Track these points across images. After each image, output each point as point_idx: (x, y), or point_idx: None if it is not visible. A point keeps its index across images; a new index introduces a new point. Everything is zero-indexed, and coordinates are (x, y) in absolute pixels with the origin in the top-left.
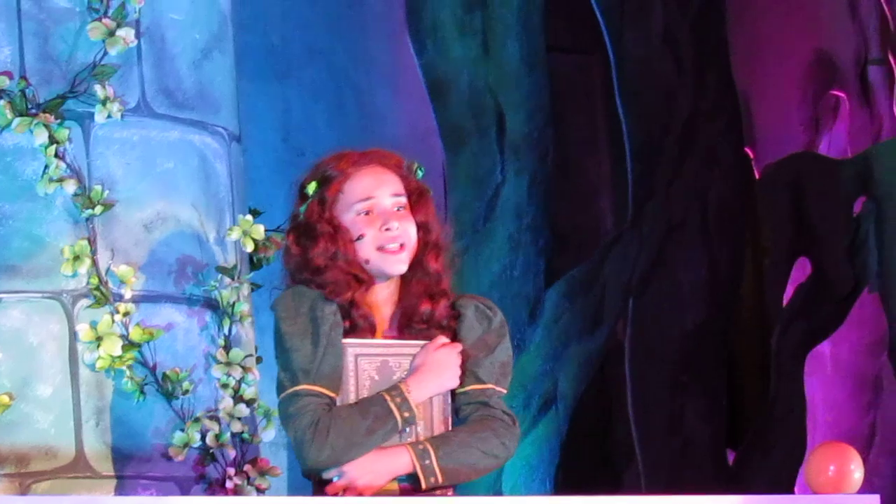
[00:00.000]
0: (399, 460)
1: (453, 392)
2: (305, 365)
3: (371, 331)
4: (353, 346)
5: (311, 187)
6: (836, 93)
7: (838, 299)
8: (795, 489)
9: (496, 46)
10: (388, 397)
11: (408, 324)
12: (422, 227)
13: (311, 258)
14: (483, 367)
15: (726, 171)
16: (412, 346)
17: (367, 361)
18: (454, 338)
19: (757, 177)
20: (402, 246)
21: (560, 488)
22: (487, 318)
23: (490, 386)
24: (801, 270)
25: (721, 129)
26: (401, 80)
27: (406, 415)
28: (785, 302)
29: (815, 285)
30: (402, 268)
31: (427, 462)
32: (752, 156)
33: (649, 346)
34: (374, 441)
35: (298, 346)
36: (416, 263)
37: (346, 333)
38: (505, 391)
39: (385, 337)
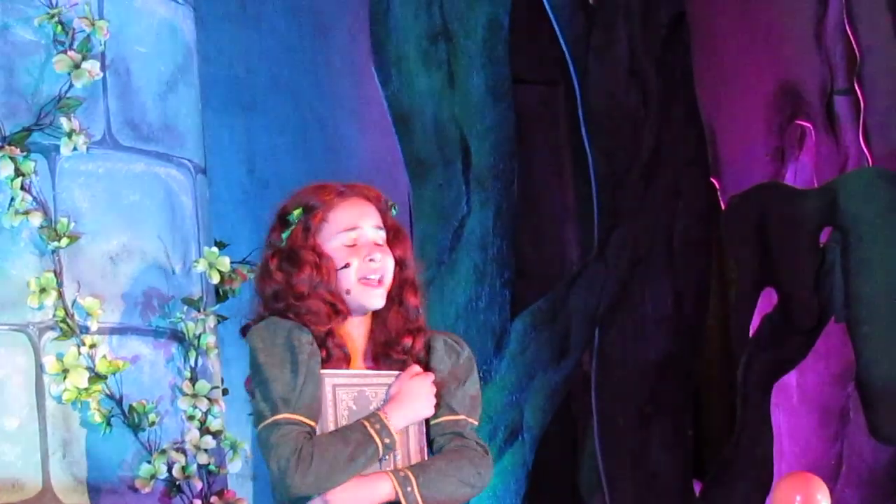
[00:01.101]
0: (380, 487)
1: (427, 422)
2: (285, 394)
3: (346, 361)
4: (331, 377)
5: (296, 213)
6: (801, 123)
7: (805, 330)
8: None
9: (461, 78)
10: (367, 424)
11: (386, 355)
12: (399, 263)
13: (294, 284)
14: (455, 399)
15: (691, 202)
16: (387, 376)
17: (344, 392)
18: (426, 369)
19: (723, 207)
20: (380, 280)
21: None
22: (456, 352)
23: (462, 417)
24: (767, 301)
25: (686, 160)
26: (366, 112)
27: (386, 441)
28: (751, 333)
29: (782, 316)
30: (380, 302)
31: (409, 489)
32: (717, 186)
33: (615, 377)
34: (355, 468)
35: (277, 375)
36: (394, 298)
37: (322, 363)
38: (476, 423)
39: (357, 365)
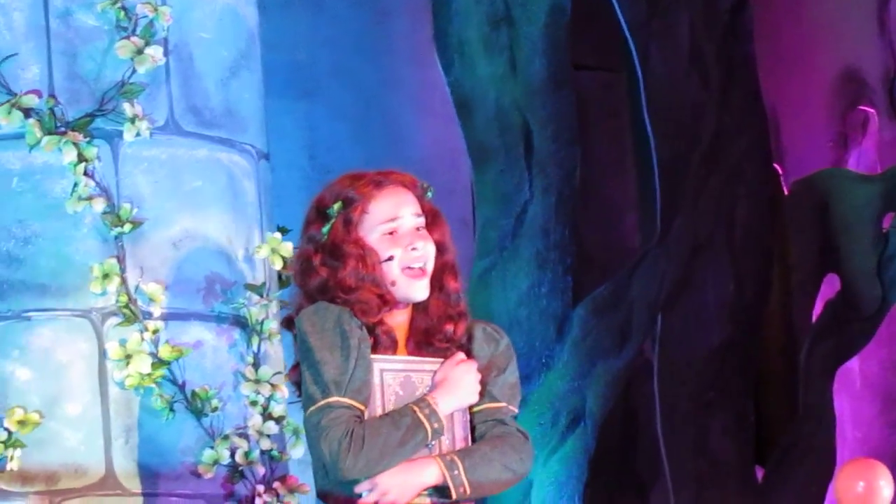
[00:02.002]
0: (428, 472)
1: (469, 409)
2: (337, 377)
3: (393, 348)
4: (379, 361)
5: (336, 207)
6: (864, 108)
7: (867, 316)
8: None
9: (523, 64)
10: (417, 409)
11: (428, 343)
12: (438, 247)
13: (340, 279)
14: (496, 387)
15: (753, 188)
16: (432, 362)
17: (391, 377)
18: (468, 356)
19: (785, 193)
20: (423, 270)
21: None
22: (495, 340)
23: (503, 405)
24: (829, 287)
25: (748, 146)
26: (427, 99)
27: (435, 426)
28: (813, 319)
29: (844, 302)
30: (425, 294)
31: (455, 472)
32: (780, 172)
33: (677, 363)
34: (405, 452)
35: (328, 358)
36: (435, 284)
37: (371, 350)
38: (516, 410)
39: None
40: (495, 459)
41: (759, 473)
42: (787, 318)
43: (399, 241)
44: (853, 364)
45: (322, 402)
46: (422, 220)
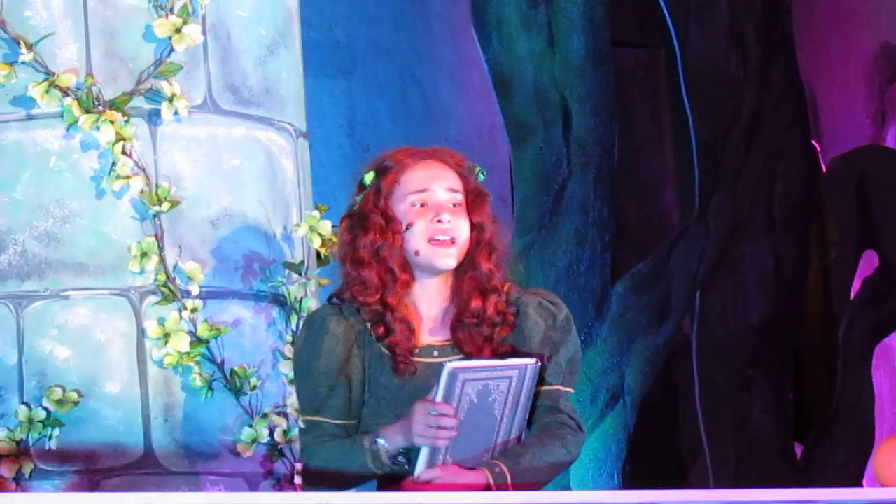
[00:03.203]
0: (476, 480)
1: (536, 395)
2: (314, 400)
3: (409, 334)
4: (462, 371)
5: (369, 177)
6: None
7: None
8: (863, 482)
9: (561, 41)
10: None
11: (459, 320)
12: (476, 227)
13: (357, 248)
14: (550, 367)
15: (792, 165)
16: (509, 367)
17: (471, 386)
18: (516, 336)
19: (823, 170)
20: (452, 240)
21: (627, 483)
22: (551, 314)
23: (556, 387)
24: (867, 263)
25: (787, 123)
26: (465, 76)
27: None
28: (852, 295)
29: (883, 278)
30: (452, 262)
31: (502, 482)
32: (818, 149)
33: (716, 340)
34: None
35: (310, 377)
36: (468, 261)
37: (380, 338)
38: (571, 390)
39: (432, 335)
40: (543, 460)
41: (798, 450)
42: (826, 295)
43: (425, 212)
44: (892, 340)
45: (302, 417)
46: (457, 197)
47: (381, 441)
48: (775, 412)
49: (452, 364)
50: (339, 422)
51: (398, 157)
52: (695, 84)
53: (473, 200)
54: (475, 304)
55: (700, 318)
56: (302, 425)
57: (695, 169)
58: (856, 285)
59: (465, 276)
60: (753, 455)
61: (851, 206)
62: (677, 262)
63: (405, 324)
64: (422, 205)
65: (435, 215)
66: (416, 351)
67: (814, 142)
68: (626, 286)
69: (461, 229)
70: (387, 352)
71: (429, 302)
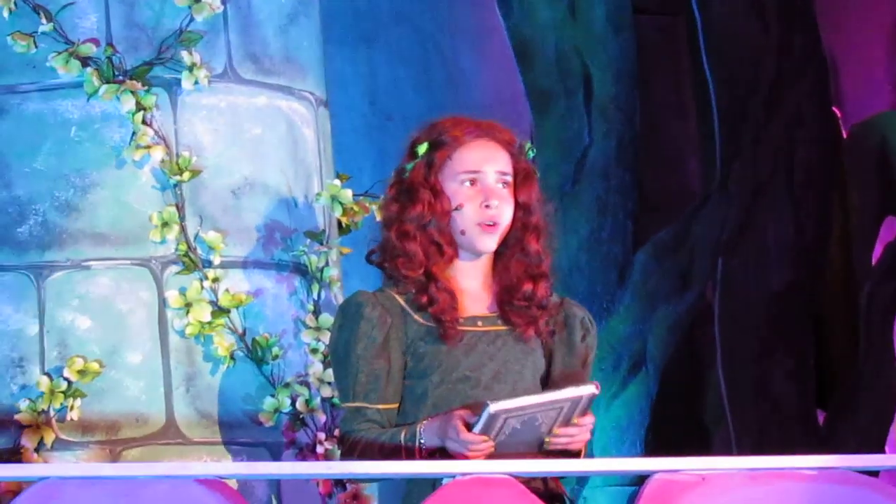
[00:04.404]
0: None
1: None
2: (353, 385)
3: (453, 303)
4: (505, 413)
5: (422, 148)
6: None
7: None
8: (886, 449)
9: (582, 9)
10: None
11: (509, 302)
12: (522, 208)
13: (403, 220)
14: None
15: (813, 132)
16: (556, 401)
17: (515, 420)
18: (555, 339)
19: (844, 136)
20: (495, 224)
21: (650, 450)
22: (587, 330)
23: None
24: (889, 229)
25: (807, 90)
26: (487, 44)
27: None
28: (873, 261)
29: None
30: (493, 246)
31: None
32: (839, 115)
33: (738, 307)
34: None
35: (349, 362)
36: (515, 243)
37: (423, 308)
38: None
39: (474, 307)
40: None
41: (821, 417)
42: (848, 261)
43: (476, 194)
44: None
45: (344, 405)
46: (507, 178)
47: (419, 438)
48: (797, 379)
49: (495, 406)
50: (379, 406)
51: (454, 133)
52: (716, 51)
53: (523, 180)
54: (527, 287)
55: (722, 286)
56: (343, 411)
57: (716, 136)
58: (877, 251)
59: (513, 257)
60: (776, 422)
61: (872, 173)
62: (699, 230)
63: (448, 293)
64: (471, 183)
65: (484, 200)
66: (461, 320)
67: (834, 108)
68: (648, 254)
69: (505, 213)
70: (429, 323)
71: (469, 277)
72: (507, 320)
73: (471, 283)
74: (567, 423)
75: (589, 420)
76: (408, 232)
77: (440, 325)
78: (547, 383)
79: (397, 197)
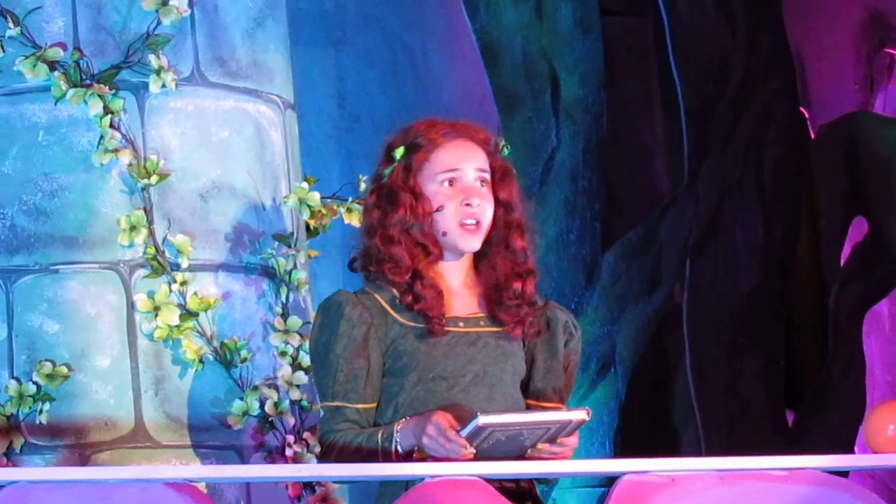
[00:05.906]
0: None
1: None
2: (333, 385)
3: (440, 298)
4: (491, 426)
5: (399, 152)
6: (890, 51)
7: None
8: (855, 449)
9: (549, 10)
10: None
11: (498, 301)
12: (504, 205)
13: (386, 225)
14: (551, 382)
15: (781, 132)
16: (543, 422)
17: (501, 433)
18: (540, 340)
19: (812, 136)
20: (478, 224)
21: (619, 451)
22: (571, 334)
23: (553, 405)
24: (857, 230)
25: (775, 90)
26: (455, 46)
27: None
28: (842, 262)
29: (873, 244)
30: (476, 245)
31: None
32: (807, 115)
33: (707, 308)
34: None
35: (329, 363)
36: (500, 241)
37: (410, 306)
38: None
39: (457, 307)
40: None
41: (791, 417)
42: (817, 261)
43: (456, 194)
44: (882, 307)
45: (323, 404)
46: (485, 176)
47: (395, 438)
48: (767, 379)
49: (485, 419)
50: (358, 406)
51: (430, 136)
52: (683, 51)
53: (501, 178)
54: (516, 285)
55: (691, 286)
56: (322, 411)
57: (684, 136)
58: (846, 252)
59: (499, 256)
60: (745, 422)
61: (841, 173)
62: (667, 230)
63: (434, 289)
64: (450, 183)
65: (464, 198)
66: (445, 320)
67: (803, 108)
68: (616, 255)
69: (486, 211)
70: (411, 323)
71: (452, 277)
72: (497, 319)
73: (454, 283)
74: (552, 441)
75: (573, 441)
76: (392, 237)
77: (427, 322)
78: (527, 387)
79: (378, 203)
